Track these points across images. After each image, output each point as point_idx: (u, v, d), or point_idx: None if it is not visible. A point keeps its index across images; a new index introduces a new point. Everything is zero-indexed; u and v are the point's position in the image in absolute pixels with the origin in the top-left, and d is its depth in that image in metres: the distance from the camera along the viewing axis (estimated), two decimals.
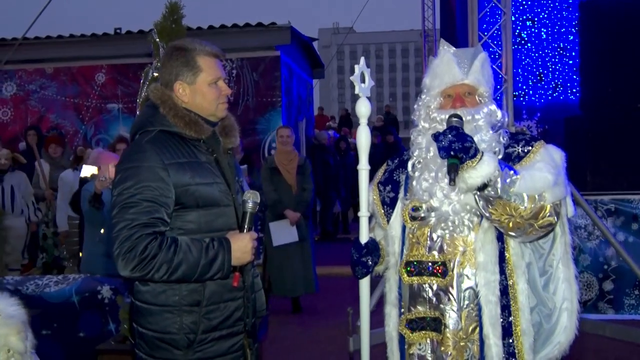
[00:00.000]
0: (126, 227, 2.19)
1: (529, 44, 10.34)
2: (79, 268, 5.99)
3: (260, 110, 10.09)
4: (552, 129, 9.86)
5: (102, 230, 5.64)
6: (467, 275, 2.52)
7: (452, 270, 2.52)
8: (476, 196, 2.40)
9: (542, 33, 10.50)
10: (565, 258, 2.59)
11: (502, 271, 2.50)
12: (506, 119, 2.63)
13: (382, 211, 2.73)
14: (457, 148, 2.29)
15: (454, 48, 2.66)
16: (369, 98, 2.75)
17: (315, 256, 7.11)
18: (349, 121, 17.57)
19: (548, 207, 2.39)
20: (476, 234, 2.50)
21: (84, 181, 5.85)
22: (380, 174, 2.82)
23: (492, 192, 2.34)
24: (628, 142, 7.76)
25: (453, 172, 2.31)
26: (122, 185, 2.26)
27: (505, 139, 2.56)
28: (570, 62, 10.27)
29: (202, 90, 2.40)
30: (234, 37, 9.93)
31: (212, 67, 2.42)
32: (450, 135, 2.33)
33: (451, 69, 2.59)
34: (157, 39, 3.61)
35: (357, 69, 2.71)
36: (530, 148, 2.53)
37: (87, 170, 5.48)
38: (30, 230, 7.96)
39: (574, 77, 10.15)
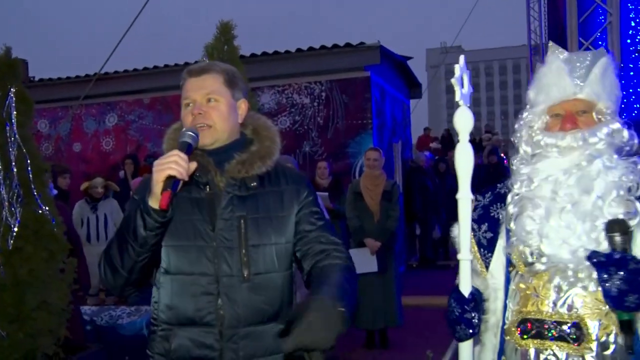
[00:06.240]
0: None
1: None
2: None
3: (350, 133, 9.78)
4: None
5: None
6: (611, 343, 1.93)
7: (590, 334, 1.93)
8: None
9: None
10: None
11: None
12: (636, 141, 2.03)
13: (479, 255, 2.19)
14: (633, 304, 1.77)
15: (567, 53, 2.11)
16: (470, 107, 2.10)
17: (401, 287, 6.63)
18: (451, 142, 16.86)
19: None
20: None
21: None
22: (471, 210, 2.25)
23: None
24: None
25: (627, 335, 1.82)
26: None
27: None
28: None
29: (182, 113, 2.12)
30: (321, 59, 9.74)
31: (185, 87, 2.10)
32: (618, 276, 1.78)
33: (561, 80, 2.05)
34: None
35: (457, 69, 2.05)
36: None
37: None
38: None
39: None
